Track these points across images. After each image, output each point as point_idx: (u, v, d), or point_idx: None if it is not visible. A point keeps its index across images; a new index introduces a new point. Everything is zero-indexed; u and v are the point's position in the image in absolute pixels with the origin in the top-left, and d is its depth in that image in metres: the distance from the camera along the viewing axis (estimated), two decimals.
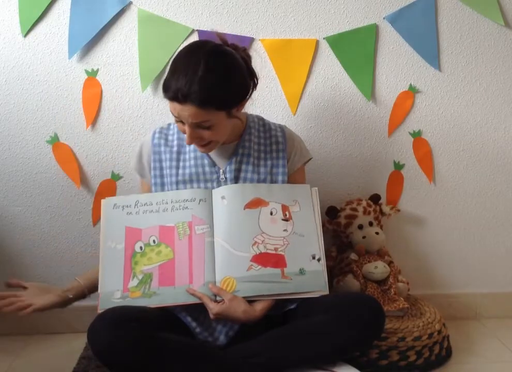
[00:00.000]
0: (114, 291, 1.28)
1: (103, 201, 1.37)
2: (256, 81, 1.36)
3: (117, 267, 1.30)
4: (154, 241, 1.33)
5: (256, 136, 1.44)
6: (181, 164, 1.40)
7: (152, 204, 1.35)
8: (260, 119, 1.49)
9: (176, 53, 1.31)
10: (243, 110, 1.38)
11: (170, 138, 1.44)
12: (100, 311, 1.24)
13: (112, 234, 1.33)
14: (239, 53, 1.31)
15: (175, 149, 1.41)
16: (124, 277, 1.29)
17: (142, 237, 1.33)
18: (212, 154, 1.40)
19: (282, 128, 1.48)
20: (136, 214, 1.35)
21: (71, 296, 1.35)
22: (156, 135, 1.44)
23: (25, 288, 1.34)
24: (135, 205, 1.36)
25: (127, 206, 1.36)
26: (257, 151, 1.43)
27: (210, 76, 1.22)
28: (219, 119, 1.27)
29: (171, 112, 1.28)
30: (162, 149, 1.42)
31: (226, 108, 1.28)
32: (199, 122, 1.25)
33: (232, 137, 1.41)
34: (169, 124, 1.47)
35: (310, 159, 1.52)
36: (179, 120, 1.28)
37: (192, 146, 1.40)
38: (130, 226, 1.34)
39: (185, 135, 1.29)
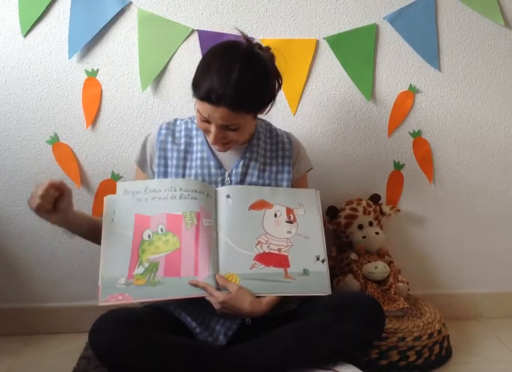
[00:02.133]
0: (119, 277, 1.24)
1: (105, 198, 1.34)
2: (280, 81, 1.37)
3: (124, 254, 1.27)
4: (162, 230, 1.31)
5: (263, 141, 1.44)
6: (187, 163, 1.40)
7: (160, 191, 1.33)
8: (267, 124, 1.50)
9: (207, 51, 1.31)
10: None
11: (177, 135, 1.42)
12: (100, 298, 1.21)
13: (121, 220, 1.30)
14: (265, 54, 1.32)
15: (182, 147, 1.40)
16: (130, 264, 1.26)
17: (151, 225, 1.30)
18: (219, 155, 1.40)
19: (289, 135, 1.49)
20: (145, 200, 1.32)
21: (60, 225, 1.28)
22: (163, 131, 1.42)
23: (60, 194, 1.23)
24: (144, 191, 1.33)
25: (137, 192, 1.33)
26: (263, 156, 1.43)
27: (245, 80, 1.23)
28: (246, 120, 1.29)
29: (199, 111, 1.27)
30: (169, 146, 1.40)
31: (256, 111, 1.31)
32: (229, 124, 1.26)
33: None
34: (175, 120, 1.46)
35: (311, 168, 1.53)
36: (205, 120, 1.28)
37: (200, 146, 1.40)
38: (139, 213, 1.31)
39: (210, 135, 1.28)
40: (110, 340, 1.14)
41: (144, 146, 1.43)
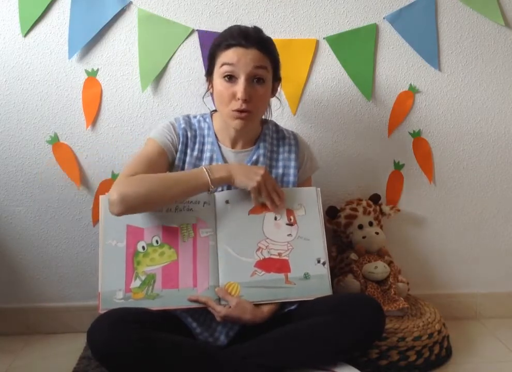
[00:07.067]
0: (116, 290, 1.26)
1: (101, 197, 1.32)
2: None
3: (118, 266, 1.27)
4: (157, 241, 1.31)
5: (270, 143, 1.44)
6: (198, 162, 1.40)
7: None
8: (274, 125, 1.49)
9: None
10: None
11: (193, 133, 1.41)
12: (101, 311, 1.23)
13: (112, 232, 1.29)
14: None
15: (196, 145, 1.40)
16: (126, 277, 1.27)
17: (145, 237, 1.30)
18: (228, 157, 1.40)
19: (295, 136, 1.49)
20: None
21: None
22: (182, 125, 1.41)
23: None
24: None
25: None
26: (269, 159, 1.43)
27: (262, 33, 1.36)
28: (268, 80, 1.34)
29: (225, 63, 1.30)
30: (188, 141, 1.39)
31: (275, 68, 1.37)
32: (259, 66, 1.30)
33: (247, 142, 1.42)
34: (188, 116, 1.45)
35: (317, 168, 1.53)
36: (231, 75, 1.30)
37: (210, 145, 1.40)
38: (131, 224, 1.31)
39: (238, 93, 1.29)
40: (109, 340, 1.13)
41: (172, 127, 1.40)
